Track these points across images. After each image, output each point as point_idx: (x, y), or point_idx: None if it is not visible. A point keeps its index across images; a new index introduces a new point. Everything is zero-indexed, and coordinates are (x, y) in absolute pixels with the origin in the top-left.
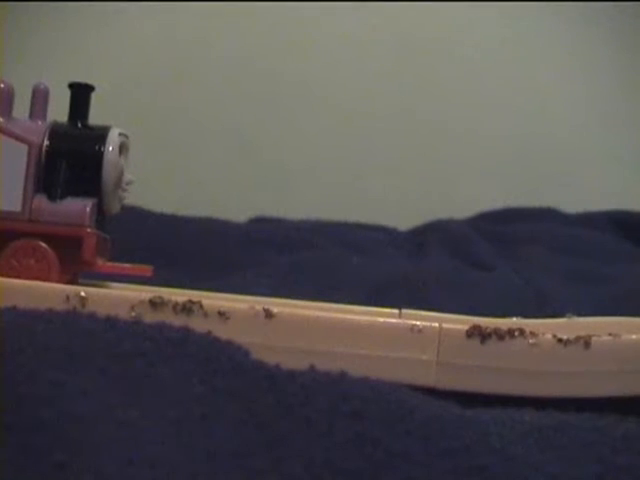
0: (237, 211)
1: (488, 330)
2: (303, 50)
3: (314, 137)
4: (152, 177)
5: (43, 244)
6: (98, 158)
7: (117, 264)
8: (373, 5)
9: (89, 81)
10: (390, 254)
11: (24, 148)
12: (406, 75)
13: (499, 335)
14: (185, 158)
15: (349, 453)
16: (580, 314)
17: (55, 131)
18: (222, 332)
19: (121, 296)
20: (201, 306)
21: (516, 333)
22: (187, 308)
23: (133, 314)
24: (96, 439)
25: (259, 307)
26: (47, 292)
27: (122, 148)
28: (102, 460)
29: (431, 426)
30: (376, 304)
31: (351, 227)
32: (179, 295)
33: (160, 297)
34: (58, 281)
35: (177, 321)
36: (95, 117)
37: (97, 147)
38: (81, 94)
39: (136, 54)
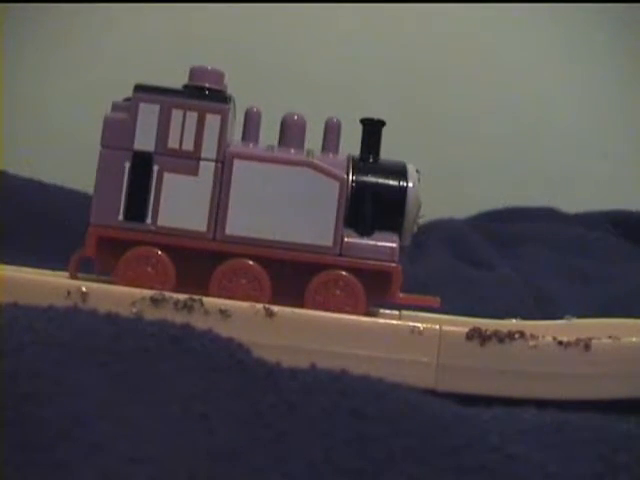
0: None
1: (488, 332)
2: (305, 47)
3: (315, 137)
4: None
5: (352, 277)
6: (402, 194)
7: (410, 295)
8: (376, 5)
9: (88, 79)
10: None
11: (335, 184)
12: (407, 75)
13: (499, 337)
14: None
15: (350, 451)
16: (580, 314)
17: (356, 167)
18: (223, 330)
19: (122, 292)
20: (202, 303)
21: (516, 335)
22: (188, 305)
23: (134, 310)
24: (97, 436)
25: (260, 305)
26: (48, 287)
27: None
28: (103, 457)
29: (432, 424)
30: None
31: None
32: (180, 292)
33: (161, 294)
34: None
35: (178, 318)
36: (95, 116)
37: (400, 183)
38: (373, 129)
39: (136, 52)
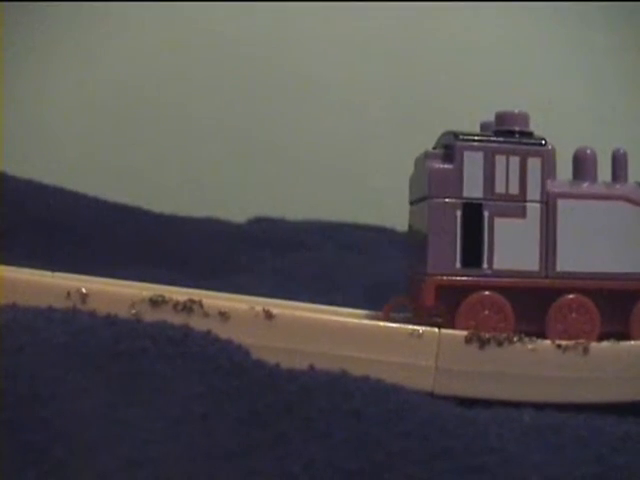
0: (237, 211)
1: (487, 336)
2: (305, 49)
3: (314, 137)
4: (152, 177)
5: None
6: None
7: None
8: (376, 4)
9: (88, 80)
10: (389, 254)
11: None
12: (407, 75)
13: (498, 341)
14: (185, 158)
15: (349, 453)
16: None
17: None
18: (222, 332)
19: (121, 293)
20: (201, 305)
21: (515, 339)
22: (187, 307)
23: (133, 312)
24: (96, 437)
25: (259, 308)
26: (48, 288)
27: None
28: (102, 459)
29: (430, 425)
30: (375, 305)
31: (350, 227)
32: (179, 294)
33: (161, 295)
34: None
35: (177, 320)
36: (94, 117)
37: None
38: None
39: (136, 53)
